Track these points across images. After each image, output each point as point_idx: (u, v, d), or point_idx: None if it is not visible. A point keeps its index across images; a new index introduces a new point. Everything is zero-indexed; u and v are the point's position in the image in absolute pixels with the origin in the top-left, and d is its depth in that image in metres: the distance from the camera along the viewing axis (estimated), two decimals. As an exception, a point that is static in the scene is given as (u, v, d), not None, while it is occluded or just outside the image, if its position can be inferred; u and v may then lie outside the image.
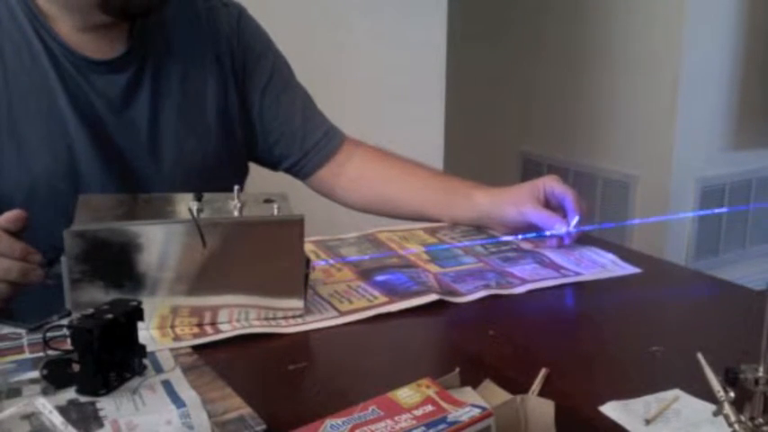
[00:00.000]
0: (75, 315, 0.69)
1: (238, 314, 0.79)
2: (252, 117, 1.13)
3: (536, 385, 0.66)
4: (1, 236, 0.76)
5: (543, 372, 0.68)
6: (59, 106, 0.97)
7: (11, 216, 0.78)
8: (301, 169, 1.17)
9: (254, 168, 1.19)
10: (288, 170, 1.18)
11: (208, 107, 1.07)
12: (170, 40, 1.05)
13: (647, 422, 0.61)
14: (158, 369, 0.68)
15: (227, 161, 1.10)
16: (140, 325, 0.68)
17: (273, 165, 1.19)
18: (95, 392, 0.62)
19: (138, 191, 0.99)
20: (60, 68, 0.97)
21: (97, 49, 0.99)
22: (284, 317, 0.80)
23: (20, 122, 0.96)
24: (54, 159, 0.96)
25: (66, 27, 0.97)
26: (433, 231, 1.12)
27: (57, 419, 0.54)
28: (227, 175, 1.04)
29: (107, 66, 0.99)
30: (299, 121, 1.15)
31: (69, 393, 0.63)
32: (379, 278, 0.92)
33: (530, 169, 3.00)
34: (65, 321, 0.71)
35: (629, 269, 0.99)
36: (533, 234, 1.06)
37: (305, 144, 1.15)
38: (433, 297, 0.85)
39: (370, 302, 0.85)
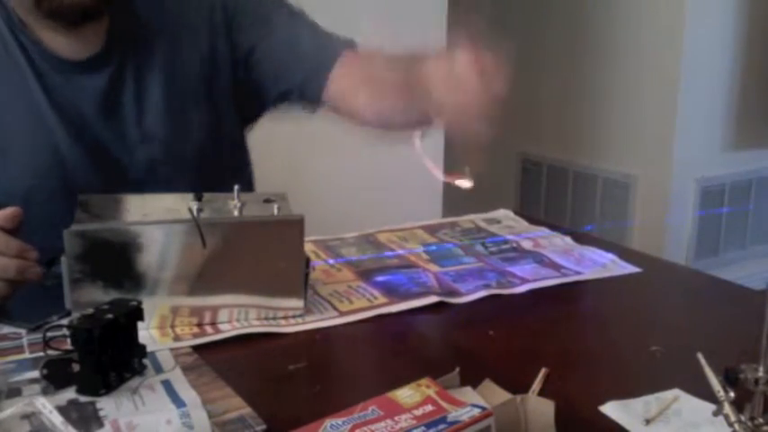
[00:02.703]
0: (75, 315, 0.69)
1: (238, 314, 0.79)
2: (245, 63, 1.05)
3: (536, 385, 0.66)
4: None
5: (543, 372, 0.68)
6: (41, 110, 0.94)
7: (7, 214, 0.77)
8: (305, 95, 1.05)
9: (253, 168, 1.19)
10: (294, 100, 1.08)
11: (197, 83, 1.02)
12: (154, 28, 1.00)
13: (647, 422, 0.61)
14: (158, 369, 0.68)
15: (221, 147, 1.05)
16: (140, 325, 0.68)
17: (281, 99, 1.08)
18: (95, 392, 0.62)
19: (130, 186, 0.97)
20: (39, 71, 0.94)
21: (72, 49, 0.95)
22: (284, 317, 0.80)
23: (2, 129, 0.93)
24: (40, 163, 0.94)
25: (41, 30, 0.94)
26: (432, 231, 1.12)
27: (57, 419, 0.54)
28: (224, 164, 1.02)
29: (84, 66, 0.96)
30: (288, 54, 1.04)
31: (69, 393, 0.63)
32: (380, 279, 0.92)
33: (529, 169, 3.00)
34: (65, 321, 0.71)
35: (629, 269, 0.99)
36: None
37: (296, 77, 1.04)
38: (432, 299, 0.85)
39: (370, 303, 0.85)
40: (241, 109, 1.09)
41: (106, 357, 0.63)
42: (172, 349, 0.72)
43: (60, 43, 0.94)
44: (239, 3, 1.05)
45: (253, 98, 1.08)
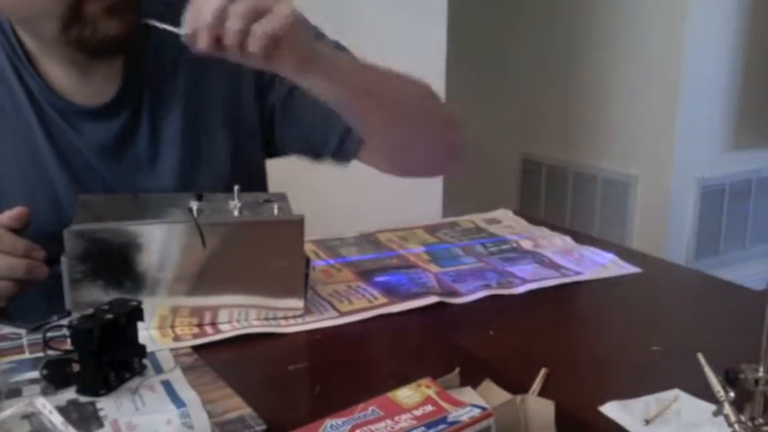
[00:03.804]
0: (75, 315, 0.69)
1: (238, 314, 0.79)
2: (271, 115, 0.98)
3: (536, 385, 0.66)
4: (3, 234, 0.76)
5: (543, 372, 0.68)
6: (42, 156, 0.88)
7: (13, 214, 0.77)
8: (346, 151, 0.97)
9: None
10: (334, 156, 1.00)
11: (217, 121, 0.94)
12: (175, 66, 0.92)
13: (647, 422, 0.61)
14: (158, 369, 0.68)
15: (242, 174, 0.95)
16: (140, 325, 0.68)
17: (315, 154, 1.00)
18: (95, 392, 0.62)
19: None
20: (43, 115, 0.88)
21: (84, 93, 0.88)
22: (284, 317, 0.80)
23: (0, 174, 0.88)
24: (37, 213, 0.84)
25: (51, 68, 0.87)
26: (432, 231, 1.12)
27: (57, 419, 0.54)
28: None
29: (96, 114, 0.89)
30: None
31: (69, 393, 0.63)
32: (380, 279, 0.92)
33: (530, 170, 3.00)
34: (65, 321, 0.72)
35: (629, 269, 0.99)
36: None
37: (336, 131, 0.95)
38: (432, 299, 0.85)
39: (370, 303, 0.85)
40: (266, 144, 1.01)
41: (106, 357, 0.63)
42: (172, 349, 0.72)
43: (71, 84, 0.88)
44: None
45: (274, 146, 1.01)
